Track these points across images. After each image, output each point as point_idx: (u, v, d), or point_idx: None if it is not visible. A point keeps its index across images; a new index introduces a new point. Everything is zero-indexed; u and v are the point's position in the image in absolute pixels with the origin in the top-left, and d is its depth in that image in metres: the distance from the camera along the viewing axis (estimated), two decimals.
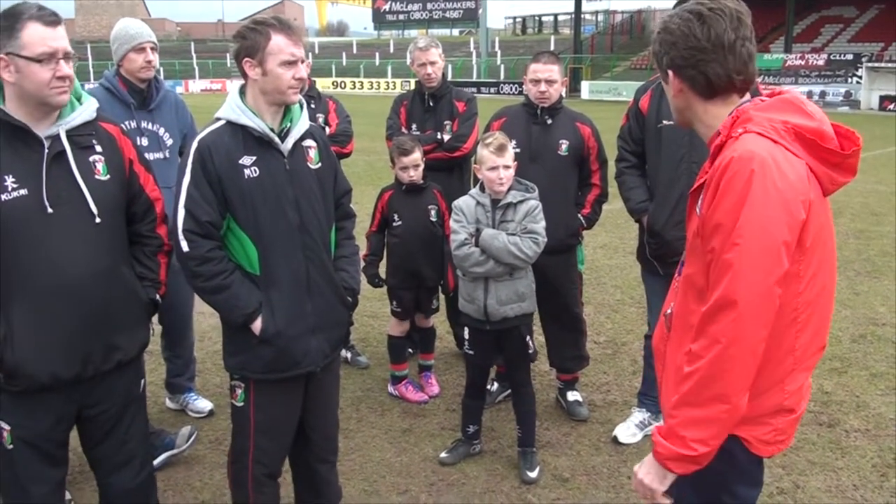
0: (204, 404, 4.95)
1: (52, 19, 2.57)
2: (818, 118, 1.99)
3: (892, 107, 38.04)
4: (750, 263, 1.86)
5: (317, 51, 72.90)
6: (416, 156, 4.83)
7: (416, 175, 4.85)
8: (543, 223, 4.05)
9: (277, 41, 2.88)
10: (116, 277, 2.81)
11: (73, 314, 2.67)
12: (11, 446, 2.71)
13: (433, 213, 4.93)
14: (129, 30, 4.29)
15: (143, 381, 3.08)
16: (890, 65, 40.17)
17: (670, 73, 2.11)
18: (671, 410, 2.01)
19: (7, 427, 2.70)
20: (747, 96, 2.11)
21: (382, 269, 5.15)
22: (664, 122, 4.06)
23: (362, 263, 5.01)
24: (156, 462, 3.91)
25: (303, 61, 2.97)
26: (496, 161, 3.96)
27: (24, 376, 2.62)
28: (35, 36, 2.53)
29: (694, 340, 1.98)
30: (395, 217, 4.94)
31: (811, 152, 1.97)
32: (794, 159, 1.93)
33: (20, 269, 2.59)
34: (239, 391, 3.13)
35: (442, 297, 5.30)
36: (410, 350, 5.55)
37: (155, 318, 3.23)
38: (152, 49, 4.31)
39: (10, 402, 2.68)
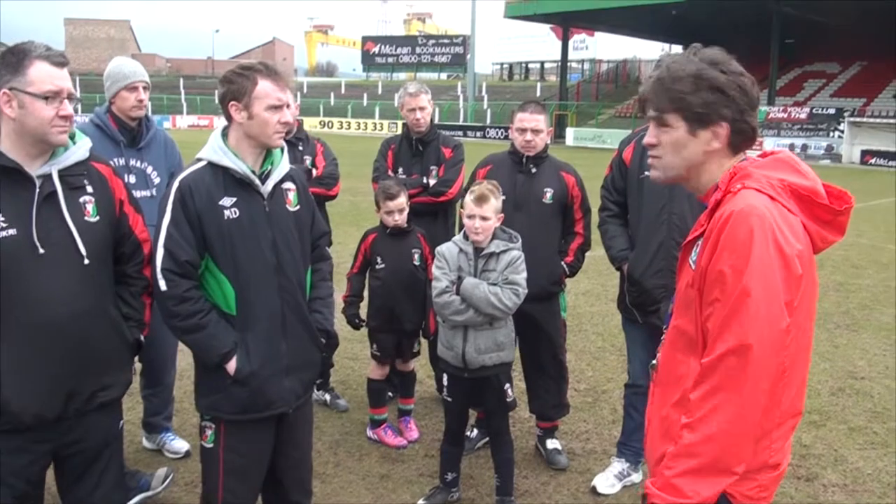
0: (181, 445, 4.89)
1: (59, 60, 2.62)
2: (811, 177, 2.05)
3: (873, 161, 38.70)
4: (756, 312, 1.89)
5: (305, 90, 73.40)
6: (402, 200, 4.86)
7: (400, 219, 4.87)
8: (525, 274, 4.07)
9: (264, 86, 2.93)
10: (103, 318, 2.80)
11: (59, 354, 2.66)
12: None
13: (416, 257, 4.94)
14: (122, 68, 4.32)
15: (121, 422, 3.05)
16: (871, 120, 40.96)
17: (724, 125, 2.08)
18: (669, 461, 2.00)
19: None
20: (742, 154, 2.16)
21: (363, 311, 5.15)
22: (646, 173, 4.12)
23: (342, 304, 5.03)
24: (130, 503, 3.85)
25: (288, 106, 3.02)
26: (474, 210, 4.00)
27: (8, 414, 2.60)
28: (42, 74, 2.56)
29: (693, 389, 1.98)
30: (378, 260, 4.94)
31: (805, 210, 2.02)
32: (790, 216, 1.98)
33: (8, 309, 2.58)
34: (209, 432, 3.12)
35: (424, 340, 5.29)
36: (390, 394, 5.52)
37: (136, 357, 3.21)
38: (144, 88, 4.34)
39: None
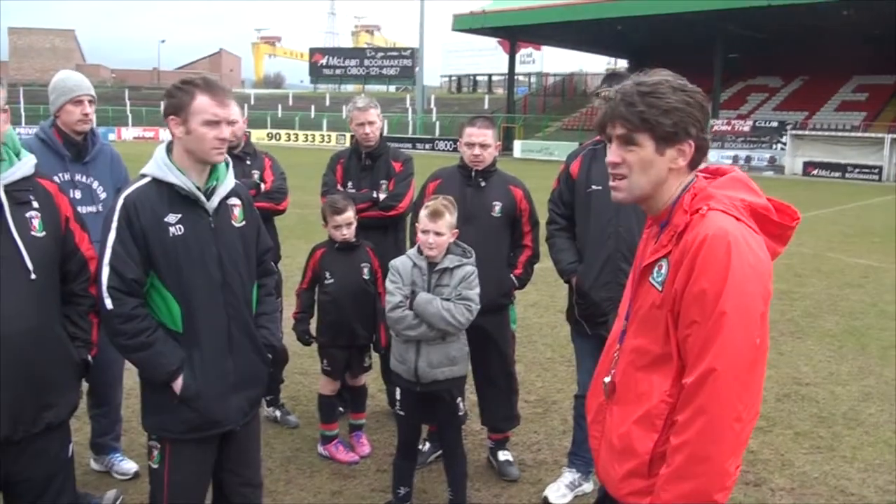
0: (129, 465, 4.79)
1: None
2: (762, 195, 2.13)
3: (815, 172, 39.72)
4: (736, 334, 1.96)
5: (252, 102, 72.77)
6: (349, 214, 4.85)
7: (348, 233, 4.86)
8: (478, 290, 4.09)
9: (201, 101, 2.91)
10: (49, 336, 2.75)
11: (4, 373, 2.59)
12: None
13: (366, 271, 4.94)
14: (67, 81, 4.24)
15: (70, 446, 2.98)
16: (813, 132, 42.03)
17: (690, 143, 2.12)
18: (663, 485, 2.04)
19: None
20: (692, 173, 2.20)
21: (313, 327, 5.11)
22: (593, 186, 4.19)
23: (292, 322, 4.98)
24: None
25: (230, 123, 2.98)
26: (428, 226, 4.01)
27: None
28: None
29: (679, 412, 2.03)
30: (328, 275, 4.92)
31: (762, 227, 2.10)
32: (756, 235, 2.06)
33: None
34: (156, 452, 3.09)
35: (375, 354, 5.27)
36: (341, 409, 5.48)
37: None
38: (90, 102, 4.27)
39: None
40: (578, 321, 4.38)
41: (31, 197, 2.74)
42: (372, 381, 5.77)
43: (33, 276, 2.66)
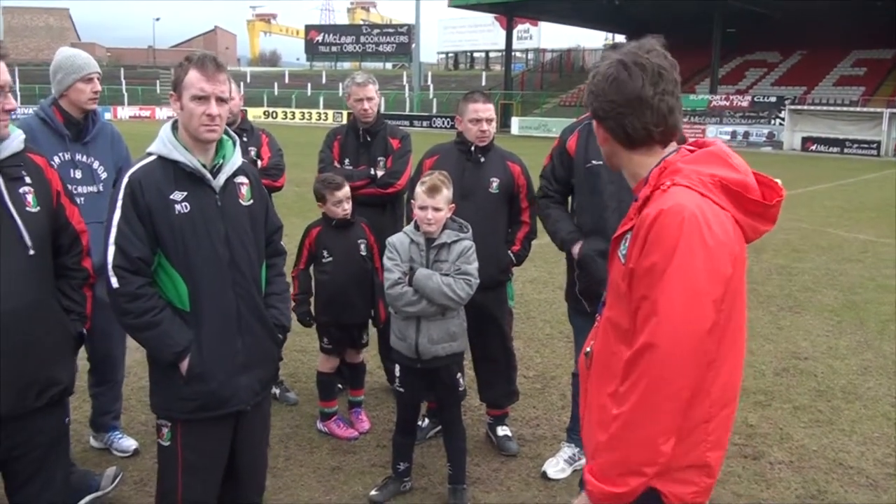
0: (129, 443, 4.80)
1: None
2: (742, 170, 2.06)
3: (814, 147, 39.67)
4: (674, 311, 1.92)
5: (249, 80, 72.42)
6: (347, 189, 4.83)
7: (348, 209, 4.84)
8: (476, 264, 4.09)
9: (191, 76, 2.89)
10: (48, 311, 2.75)
11: (9, 348, 2.59)
12: None
13: (363, 247, 4.92)
14: (76, 59, 4.19)
15: (67, 419, 2.98)
16: (812, 107, 41.94)
17: (594, 122, 2.20)
18: (600, 450, 2.05)
19: None
20: (673, 146, 2.18)
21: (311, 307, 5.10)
22: (593, 161, 4.14)
23: (292, 303, 4.96)
24: None
25: (219, 99, 2.91)
26: (426, 201, 3.99)
27: None
28: None
29: (621, 382, 2.02)
30: (325, 253, 4.89)
31: (736, 204, 2.04)
32: (720, 213, 2.00)
33: None
34: (165, 430, 3.07)
35: (374, 331, 5.28)
36: (340, 386, 5.49)
37: (82, 353, 3.15)
38: (99, 79, 4.24)
39: None
40: (578, 298, 4.36)
41: (24, 172, 2.72)
42: (371, 357, 5.79)
43: (32, 252, 2.66)
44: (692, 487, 2.09)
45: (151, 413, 3.19)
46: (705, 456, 2.09)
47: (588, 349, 2.33)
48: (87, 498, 4.08)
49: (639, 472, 1.99)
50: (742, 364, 2.22)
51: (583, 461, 4.62)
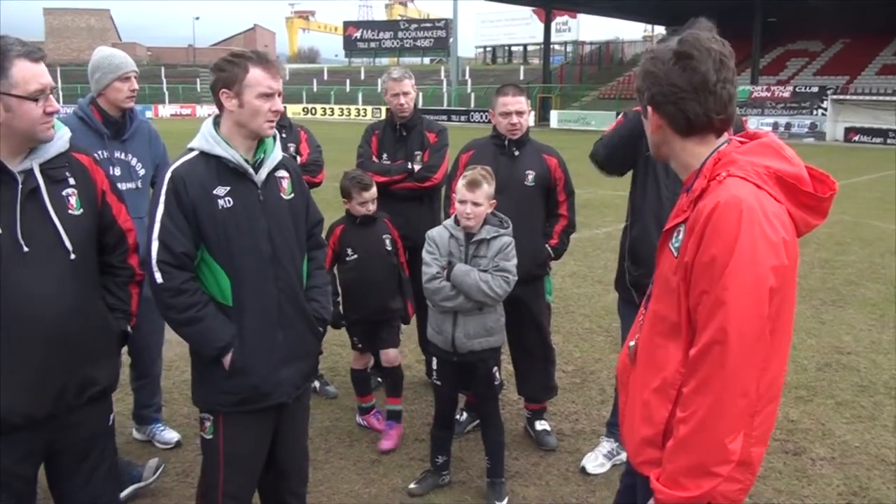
0: (171, 435, 4.89)
1: (38, 55, 2.55)
2: (796, 163, 2.04)
3: (857, 138, 38.93)
4: (741, 304, 1.90)
5: (288, 77, 72.95)
6: (374, 190, 4.81)
7: (372, 209, 4.83)
8: (515, 261, 4.08)
9: (255, 74, 2.91)
10: (90, 312, 2.77)
11: (47, 352, 2.62)
12: None
13: (388, 242, 4.88)
14: (113, 59, 4.26)
15: (111, 415, 3.03)
16: (855, 97, 41.11)
17: (650, 108, 2.15)
18: (669, 456, 2.03)
19: None
20: (725, 136, 2.15)
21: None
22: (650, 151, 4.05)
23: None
24: (122, 495, 3.84)
25: (280, 94, 3.00)
26: (466, 196, 3.99)
27: None
28: (26, 73, 2.49)
29: (685, 383, 2.00)
30: (349, 251, 4.83)
31: (790, 196, 2.01)
32: (775, 205, 1.98)
33: None
34: (208, 424, 3.11)
35: (415, 324, 5.27)
36: (380, 379, 5.52)
37: (124, 348, 3.19)
38: (136, 78, 4.30)
39: None
40: (628, 289, 4.28)
41: (68, 173, 2.73)
42: (410, 351, 5.81)
43: (73, 257, 2.67)
44: (737, 485, 2.06)
45: (194, 406, 3.23)
46: (750, 452, 2.06)
47: (632, 343, 2.31)
48: (130, 488, 4.16)
49: (713, 473, 1.96)
50: (787, 359, 2.19)
51: (622, 456, 4.59)
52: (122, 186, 4.21)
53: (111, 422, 3.02)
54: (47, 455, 2.82)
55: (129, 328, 3.00)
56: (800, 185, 2.01)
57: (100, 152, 4.20)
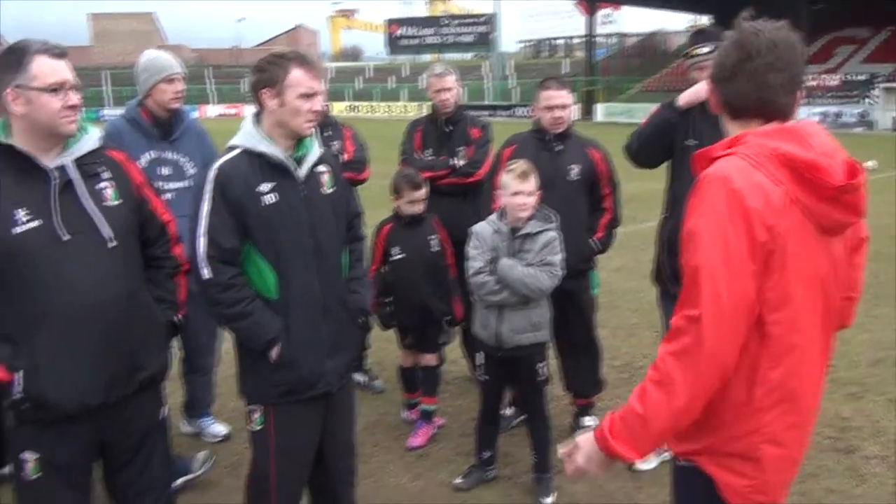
0: (220, 428, 4.98)
1: (58, 52, 2.65)
2: (817, 150, 1.98)
3: None
4: (707, 281, 1.91)
5: (332, 75, 73.41)
6: (425, 191, 4.80)
7: (422, 208, 4.83)
8: (561, 255, 4.06)
9: (296, 75, 2.95)
10: (135, 301, 2.83)
11: (95, 340, 2.69)
12: (37, 476, 2.72)
13: (434, 243, 4.85)
14: (158, 61, 4.35)
15: (164, 408, 3.09)
16: None
17: (711, 86, 2.19)
18: (628, 401, 2.08)
19: (33, 456, 2.72)
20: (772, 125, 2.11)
21: None
22: (691, 140, 4.03)
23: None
24: (172, 486, 3.91)
25: (321, 95, 3.03)
26: (519, 187, 3.98)
27: (51, 406, 2.65)
28: (45, 68, 2.59)
29: (663, 346, 2.02)
30: (397, 251, 4.81)
31: (798, 182, 1.96)
32: (768, 185, 1.94)
33: (39, 300, 2.62)
34: (256, 415, 3.16)
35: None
36: None
37: (176, 342, 3.25)
38: (182, 79, 4.37)
39: (36, 432, 2.71)
40: (666, 281, 4.25)
41: (101, 168, 2.81)
42: (455, 346, 5.82)
43: (114, 244, 2.74)
44: (744, 480, 2.05)
45: (241, 399, 3.29)
46: (758, 447, 2.04)
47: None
48: (180, 480, 4.22)
49: (660, 431, 2.00)
50: (819, 360, 2.14)
51: (669, 453, 4.54)
52: (173, 186, 4.29)
53: (164, 414, 3.09)
54: (102, 447, 2.89)
55: (177, 319, 3.06)
56: (809, 171, 1.95)
57: (149, 153, 4.28)
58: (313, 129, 3.11)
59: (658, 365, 1.99)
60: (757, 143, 2.00)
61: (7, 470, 3.32)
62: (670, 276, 4.19)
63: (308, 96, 2.97)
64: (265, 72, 2.99)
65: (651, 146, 4.22)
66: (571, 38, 72.96)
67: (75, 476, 2.81)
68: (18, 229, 2.59)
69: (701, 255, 1.93)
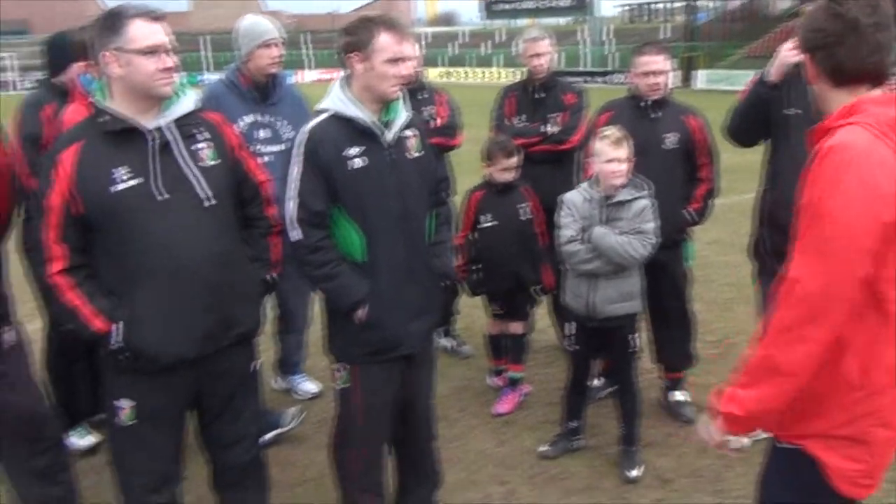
0: (311, 386, 5.11)
1: (154, 15, 2.71)
2: None
3: None
4: (829, 250, 1.83)
5: (426, 41, 73.37)
6: (518, 158, 4.75)
7: (514, 176, 4.77)
8: (654, 224, 3.98)
9: (384, 39, 2.97)
10: (231, 258, 2.91)
11: (191, 296, 2.78)
12: (131, 423, 2.85)
13: (525, 211, 4.80)
14: (257, 26, 4.42)
15: (256, 363, 3.19)
16: None
17: (806, 57, 2.09)
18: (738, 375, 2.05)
19: (129, 405, 2.83)
20: (877, 91, 2.02)
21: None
22: (792, 109, 3.85)
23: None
24: (263, 439, 4.04)
25: (409, 60, 3.03)
26: (613, 154, 3.90)
27: (149, 357, 2.75)
28: (141, 31, 2.66)
29: (767, 319, 1.97)
30: (486, 218, 4.77)
31: None
32: (892, 158, 1.86)
33: (140, 255, 2.72)
34: (342, 373, 3.25)
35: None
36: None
37: (270, 301, 3.33)
38: (280, 45, 4.44)
39: (133, 381, 2.82)
40: (765, 257, 4.10)
41: (199, 129, 2.88)
42: (545, 314, 5.79)
43: (213, 202, 2.82)
44: (855, 465, 1.99)
45: (329, 358, 3.36)
46: (869, 430, 1.98)
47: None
48: (271, 433, 4.37)
49: (767, 382, 1.97)
50: None
51: (761, 434, 4.41)
52: (271, 149, 4.37)
53: (256, 368, 3.19)
54: (196, 399, 3.00)
55: (271, 277, 3.13)
56: None
57: (247, 116, 4.36)
58: (400, 94, 3.12)
59: (763, 328, 1.96)
60: (875, 112, 1.91)
61: (101, 417, 3.49)
62: (770, 251, 4.04)
63: (395, 61, 2.99)
64: (353, 35, 3.02)
65: (749, 124, 4.07)
66: (672, 1, 70.90)
67: (168, 425, 2.93)
68: (118, 187, 2.68)
69: (819, 229, 1.85)
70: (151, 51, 2.66)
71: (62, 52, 4.16)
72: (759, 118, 3.99)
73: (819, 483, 2.04)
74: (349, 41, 3.03)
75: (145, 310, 2.74)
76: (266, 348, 5.33)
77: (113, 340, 2.73)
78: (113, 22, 2.66)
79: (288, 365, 5.16)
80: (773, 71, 3.89)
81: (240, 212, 3.04)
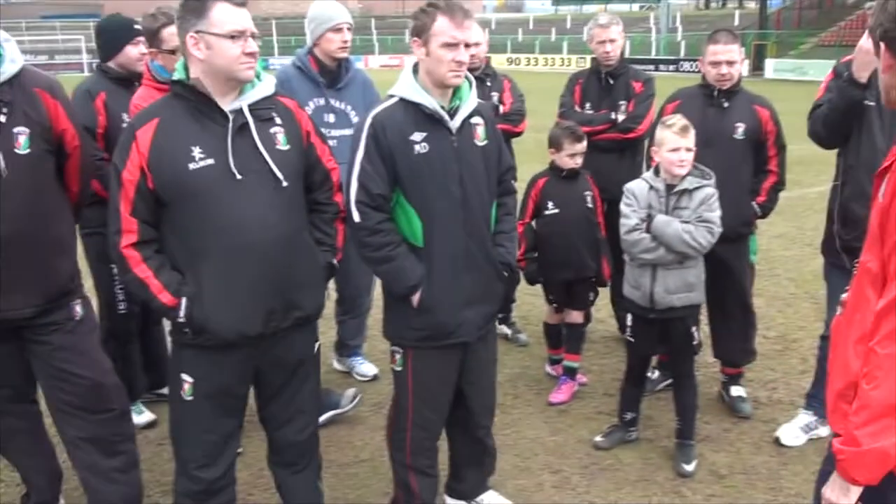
0: (369, 368, 5.18)
1: (239, 1, 2.75)
2: None
3: None
4: None
5: (493, 27, 73.01)
6: (585, 144, 4.70)
7: (580, 163, 4.72)
8: (719, 212, 3.92)
9: (441, 23, 2.98)
10: (298, 240, 2.96)
11: (258, 274, 2.83)
12: (192, 398, 2.93)
13: (589, 199, 4.74)
14: (326, 11, 4.47)
15: (316, 343, 3.24)
16: None
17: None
18: (852, 414, 1.91)
19: (190, 380, 2.92)
20: None
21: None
22: (867, 102, 3.72)
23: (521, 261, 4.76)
24: (321, 419, 4.11)
25: (467, 45, 3.01)
26: (679, 142, 3.85)
27: (211, 333, 2.82)
28: (226, 15, 2.70)
29: (871, 336, 1.87)
30: (551, 205, 4.71)
31: None
32: None
33: (209, 233, 2.78)
34: (398, 356, 3.31)
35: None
36: None
37: (332, 284, 3.38)
38: (348, 29, 4.48)
39: (195, 356, 2.91)
40: (836, 253, 3.98)
41: (274, 114, 2.92)
42: (603, 305, 5.76)
43: (284, 184, 2.86)
44: None
45: (386, 340, 3.41)
46: None
47: (844, 294, 2.18)
48: (328, 414, 4.45)
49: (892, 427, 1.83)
50: None
51: (820, 431, 4.33)
52: (338, 133, 4.43)
53: (317, 349, 3.24)
54: (257, 376, 3.07)
55: (334, 261, 3.17)
56: None
57: (316, 100, 4.43)
58: (460, 81, 3.10)
59: (868, 359, 1.87)
60: None
61: (165, 391, 3.58)
62: (842, 248, 3.93)
63: (451, 45, 2.98)
64: (416, 20, 3.05)
65: (842, 128, 3.91)
66: None
67: (228, 400, 3.00)
68: (194, 165, 2.75)
69: None
70: (235, 35, 2.71)
71: (113, 35, 4.22)
72: (853, 119, 3.85)
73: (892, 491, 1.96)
74: (413, 26, 3.06)
75: (210, 287, 2.80)
76: (326, 329, 5.43)
77: (178, 315, 2.81)
78: (197, 4, 2.71)
79: (347, 347, 5.23)
80: (862, 69, 3.73)
81: (308, 196, 3.08)
